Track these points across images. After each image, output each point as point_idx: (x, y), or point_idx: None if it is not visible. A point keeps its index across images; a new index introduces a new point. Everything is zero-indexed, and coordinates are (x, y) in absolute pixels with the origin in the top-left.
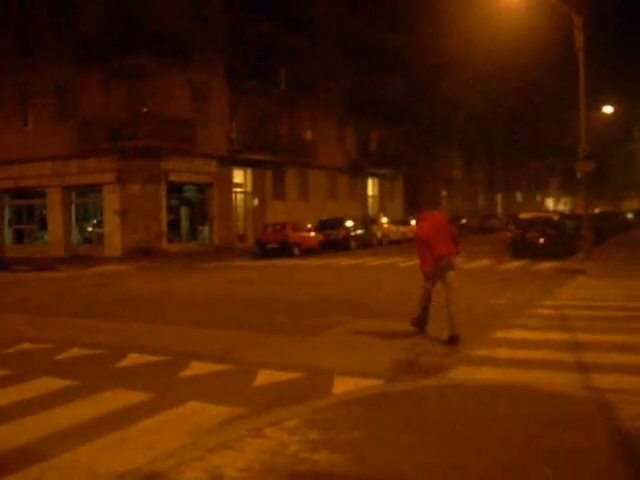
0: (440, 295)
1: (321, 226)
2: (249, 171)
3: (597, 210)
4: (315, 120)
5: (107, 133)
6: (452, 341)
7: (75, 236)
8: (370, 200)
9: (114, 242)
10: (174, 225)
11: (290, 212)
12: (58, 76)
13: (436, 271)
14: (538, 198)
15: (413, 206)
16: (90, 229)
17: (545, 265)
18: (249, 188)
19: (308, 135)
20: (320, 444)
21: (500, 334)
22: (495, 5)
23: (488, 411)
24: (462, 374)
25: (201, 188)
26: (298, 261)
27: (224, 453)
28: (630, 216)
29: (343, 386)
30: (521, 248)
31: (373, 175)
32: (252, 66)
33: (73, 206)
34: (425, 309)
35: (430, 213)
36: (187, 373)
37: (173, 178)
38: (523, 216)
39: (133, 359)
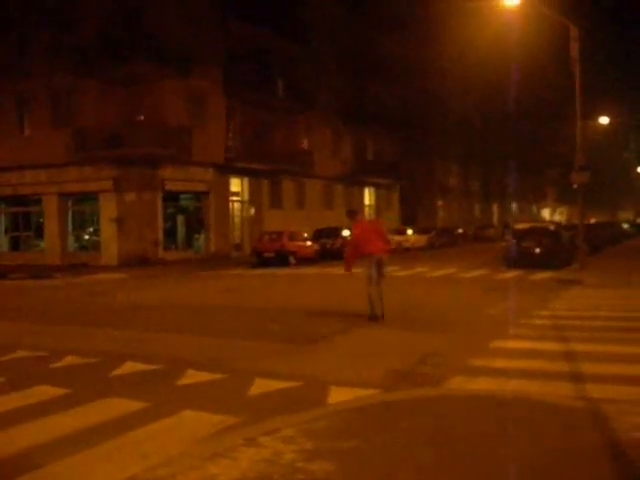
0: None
1: (317, 235)
2: (246, 180)
3: (593, 220)
4: (312, 129)
5: (104, 141)
6: (376, 318)
7: (71, 244)
8: (366, 209)
9: (110, 250)
10: (170, 233)
11: (286, 221)
12: (55, 83)
13: (369, 264)
14: (534, 208)
15: (407, 217)
16: (86, 237)
17: (541, 275)
18: (246, 197)
19: (305, 144)
20: (316, 453)
21: (496, 344)
22: (492, 16)
23: (484, 421)
24: (458, 384)
25: (198, 196)
26: (294, 270)
27: (219, 462)
28: (626, 226)
29: (339, 395)
30: (517, 258)
31: (369, 184)
32: (249, 75)
33: (69, 214)
34: (373, 303)
35: (363, 219)
36: (182, 382)
37: (170, 186)
38: (519, 226)
39: (128, 367)
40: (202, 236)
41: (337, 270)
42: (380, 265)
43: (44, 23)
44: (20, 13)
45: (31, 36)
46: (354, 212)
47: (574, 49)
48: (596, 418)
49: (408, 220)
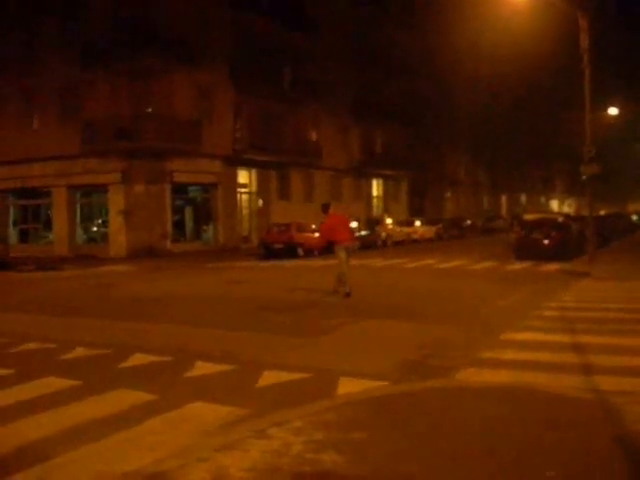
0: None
1: None
2: (254, 171)
3: (602, 212)
4: (320, 121)
5: (112, 133)
6: (348, 295)
7: (80, 236)
8: (374, 201)
9: (119, 242)
10: (179, 225)
11: (294, 213)
12: (63, 76)
13: (338, 250)
14: (543, 200)
15: (415, 209)
16: (95, 229)
17: (550, 267)
18: (254, 188)
19: (313, 135)
20: (325, 445)
21: (505, 336)
22: (501, 7)
23: (493, 413)
24: (468, 376)
25: (206, 188)
26: (303, 262)
27: (229, 453)
28: (635, 218)
29: (348, 387)
30: (526, 250)
31: (377, 176)
32: (257, 66)
33: (78, 206)
34: (345, 282)
35: (334, 213)
36: (191, 373)
37: (178, 178)
38: (528, 218)
39: (137, 359)
40: (210, 228)
41: None
42: (348, 251)
43: (52, 16)
44: (28, 6)
45: (39, 29)
46: (327, 206)
47: (584, 40)
48: (605, 410)
49: (416, 212)
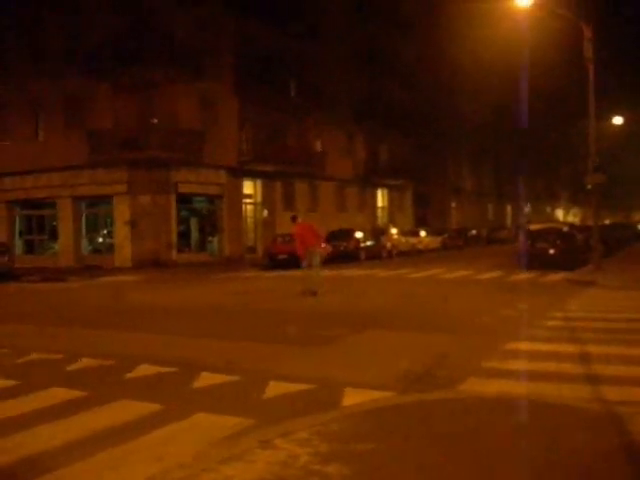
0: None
1: (330, 237)
2: (259, 182)
3: (607, 221)
4: (324, 131)
5: (117, 144)
6: (315, 294)
7: (85, 246)
8: (379, 211)
9: (124, 252)
10: (184, 236)
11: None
12: (68, 87)
13: (307, 255)
14: (548, 209)
15: (420, 219)
16: (100, 239)
17: (555, 276)
18: (259, 199)
19: (317, 146)
20: (331, 456)
21: (510, 346)
22: (504, 16)
23: (498, 424)
24: (473, 386)
25: (211, 199)
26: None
27: (234, 465)
28: None
29: (353, 398)
30: (531, 259)
31: (382, 186)
32: (261, 76)
33: (83, 216)
34: (318, 282)
35: (302, 222)
36: (197, 384)
37: (183, 189)
38: (533, 227)
39: (143, 370)
40: (215, 239)
41: (350, 272)
42: (315, 254)
43: (57, 28)
44: (33, 17)
45: (44, 40)
46: (295, 217)
47: (587, 49)
48: (611, 420)
49: (421, 222)
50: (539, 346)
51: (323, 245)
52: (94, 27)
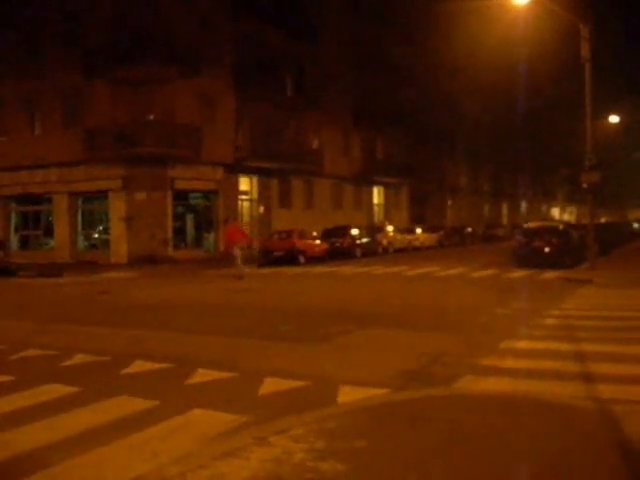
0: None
1: (327, 234)
2: (255, 179)
3: (603, 220)
4: (321, 128)
5: (113, 140)
6: (241, 278)
7: (81, 242)
8: (375, 208)
9: (120, 249)
10: (180, 232)
11: (295, 220)
12: (65, 83)
13: (233, 248)
14: (544, 207)
15: (416, 216)
16: (96, 235)
17: (550, 275)
18: (255, 196)
19: (314, 143)
20: (326, 453)
21: (506, 344)
22: (502, 15)
23: (493, 422)
24: (468, 384)
25: (207, 195)
26: (304, 269)
27: (229, 461)
28: (636, 226)
29: (349, 395)
30: (526, 257)
31: (379, 183)
32: (258, 74)
33: (79, 212)
34: (241, 269)
35: (232, 224)
36: (192, 380)
37: (179, 185)
38: (528, 225)
39: (138, 366)
40: (211, 235)
41: (346, 269)
42: (242, 248)
43: (55, 24)
44: (31, 14)
45: (42, 37)
46: (226, 220)
47: (585, 48)
48: (606, 418)
49: (417, 219)
50: (535, 344)
51: (247, 242)
52: (92, 24)
